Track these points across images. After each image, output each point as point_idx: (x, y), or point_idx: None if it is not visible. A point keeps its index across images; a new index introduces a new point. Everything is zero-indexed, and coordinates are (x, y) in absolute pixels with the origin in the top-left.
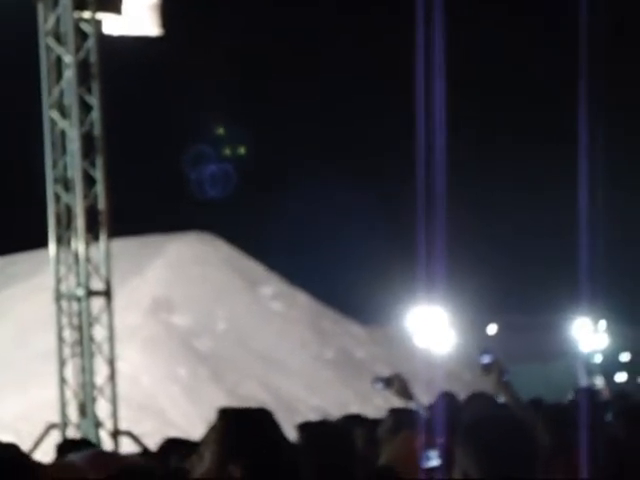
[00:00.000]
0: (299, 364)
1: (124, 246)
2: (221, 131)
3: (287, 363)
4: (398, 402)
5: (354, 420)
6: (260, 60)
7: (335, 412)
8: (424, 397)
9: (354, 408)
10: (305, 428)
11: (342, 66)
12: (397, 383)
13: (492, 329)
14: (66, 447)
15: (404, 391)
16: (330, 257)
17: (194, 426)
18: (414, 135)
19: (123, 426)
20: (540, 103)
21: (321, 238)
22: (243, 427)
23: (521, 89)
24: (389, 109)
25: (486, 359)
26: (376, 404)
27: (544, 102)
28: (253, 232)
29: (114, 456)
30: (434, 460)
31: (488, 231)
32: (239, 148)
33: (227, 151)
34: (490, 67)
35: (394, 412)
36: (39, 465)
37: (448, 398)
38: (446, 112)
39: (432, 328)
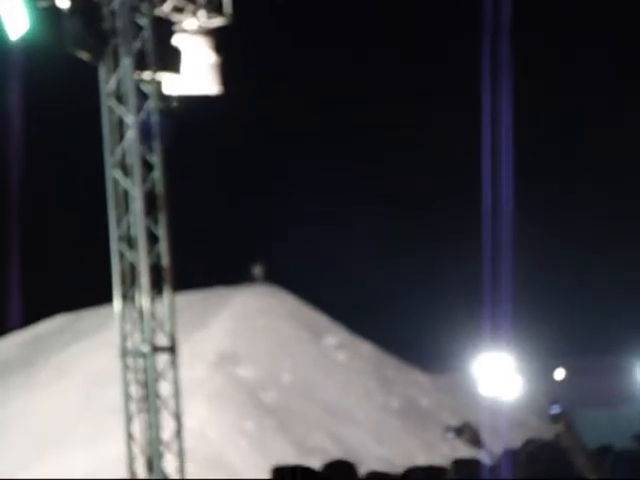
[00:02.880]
0: (364, 414)
1: (189, 300)
2: None
3: (353, 413)
4: (465, 451)
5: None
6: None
7: (401, 462)
8: (493, 445)
9: (420, 458)
10: None
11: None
12: (468, 432)
13: (559, 374)
14: None
15: (475, 440)
16: (393, 304)
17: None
18: (479, 180)
19: None
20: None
21: (383, 285)
22: None
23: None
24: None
25: (555, 409)
26: (443, 453)
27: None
28: (315, 283)
29: None
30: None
31: (555, 274)
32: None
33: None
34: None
35: (458, 463)
36: None
37: (512, 455)
38: (513, 153)
39: (498, 375)
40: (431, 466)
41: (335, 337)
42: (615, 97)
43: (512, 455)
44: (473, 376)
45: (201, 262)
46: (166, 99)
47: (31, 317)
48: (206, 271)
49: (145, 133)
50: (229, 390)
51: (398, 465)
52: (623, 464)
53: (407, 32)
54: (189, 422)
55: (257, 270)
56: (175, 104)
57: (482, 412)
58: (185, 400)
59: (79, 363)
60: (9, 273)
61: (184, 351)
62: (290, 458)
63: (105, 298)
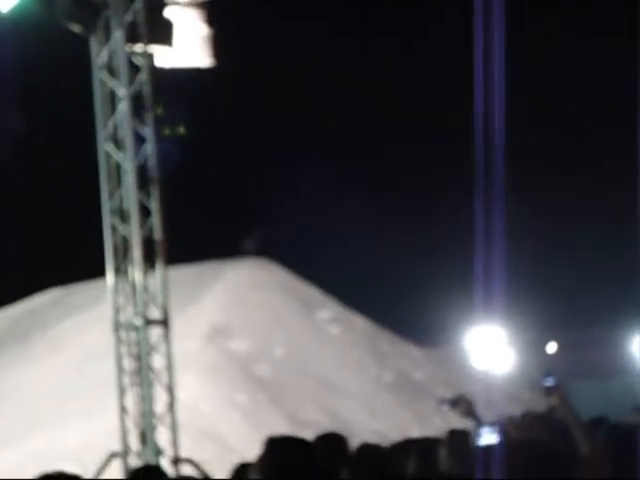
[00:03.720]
0: (358, 388)
1: (181, 274)
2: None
3: (346, 387)
4: (459, 423)
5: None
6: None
7: (394, 435)
8: (487, 417)
9: (414, 430)
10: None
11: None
12: (463, 404)
13: (552, 347)
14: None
15: (470, 412)
16: (385, 279)
17: (255, 452)
18: (472, 149)
19: (184, 453)
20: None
21: (376, 260)
22: (286, 456)
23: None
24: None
25: (549, 382)
26: (436, 426)
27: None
28: (308, 256)
29: None
30: (489, 437)
31: (546, 247)
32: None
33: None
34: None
35: (453, 434)
36: None
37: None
38: (505, 128)
39: (491, 348)
40: (425, 437)
41: (328, 311)
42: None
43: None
44: (466, 349)
45: (194, 236)
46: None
47: (24, 291)
48: (199, 245)
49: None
50: (222, 363)
51: (391, 438)
52: (616, 435)
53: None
54: (182, 395)
55: (250, 244)
56: (182, 131)
57: (475, 385)
58: (178, 373)
59: (72, 337)
60: (2, 247)
61: (177, 324)
62: (283, 431)
63: (98, 272)
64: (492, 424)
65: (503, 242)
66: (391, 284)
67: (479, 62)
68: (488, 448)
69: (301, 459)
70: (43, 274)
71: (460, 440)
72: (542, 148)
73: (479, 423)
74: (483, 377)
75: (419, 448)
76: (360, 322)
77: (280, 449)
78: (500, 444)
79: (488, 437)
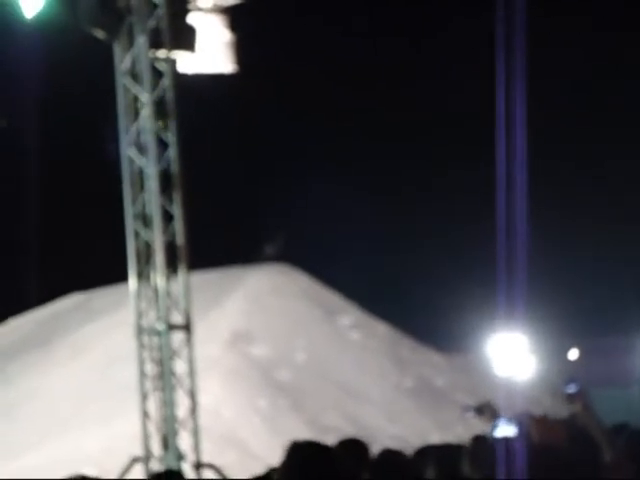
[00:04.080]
0: (379, 394)
1: (202, 279)
2: None
3: (367, 393)
4: (480, 430)
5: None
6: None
7: (415, 441)
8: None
9: (434, 437)
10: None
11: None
12: (488, 411)
13: (574, 354)
14: None
15: (495, 419)
16: (407, 285)
17: (275, 457)
18: (493, 151)
19: (205, 458)
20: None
21: (397, 265)
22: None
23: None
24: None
25: (571, 388)
26: (457, 433)
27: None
28: (329, 261)
29: None
30: (506, 429)
31: (569, 253)
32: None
33: None
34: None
35: (477, 440)
36: None
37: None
38: (527, 141)
39: (513, 355)
40: (446, 444)
41: (349, 316)
42: None
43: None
44: (487, 356)
45: (215, 241)
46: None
47: (46, 296)
48: (220, 250)
49: None
50: (243, 369)
51: (412, 444)
52: (638, 442)
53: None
54: (203, 400)
55: (271, 249)
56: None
57: (497, 392)
58: (199, 378)
59: (94, 341)
60: (25, 252)
61: (199, 329)
62: (304, 436)
63: (120, 277)
64: (510, 417)
65: (525, 248)
66: (412, 290)
67: (500, 60)
68: (506, 441)
69: (323, 464)
70: (65, 279)
71: (483, 447)
72: (569, 148)
73: (496, 416)
74: (505, 384)
75: (440, 454)
76: (381, 328)
77: (302, 454)
78: (519, 437)
79: (505, 429)
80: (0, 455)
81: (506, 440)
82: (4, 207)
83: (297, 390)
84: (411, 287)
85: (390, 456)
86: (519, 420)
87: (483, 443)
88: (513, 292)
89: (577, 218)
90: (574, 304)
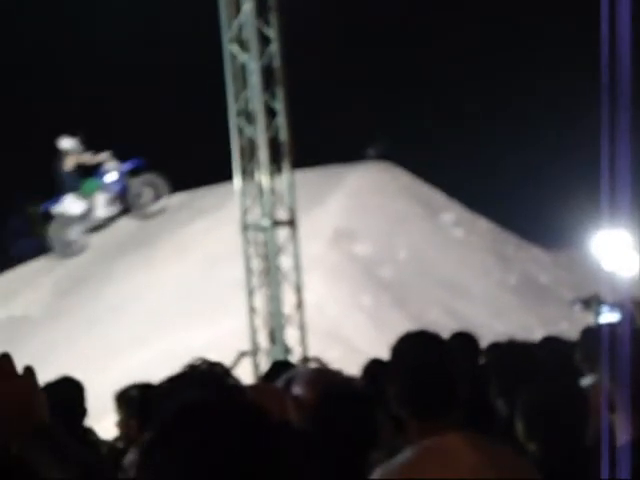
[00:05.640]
0: (482, 290)
1: (305, 177)
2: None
3: (470, 289)
4: (583, 324)
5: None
6: None
7: (520, 337)
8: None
9: (539, 333)
10: (493, 349)
11: None
12: (595, 303)
13: None
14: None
15: (600, 308)
16: (510, 180)
17: (379, 353)
18: (597, 48)
19: (311, 353)
20: None
21: (500, 162)
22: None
23: None
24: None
25: None
26: (561, 329)
27: None
28: (431, 158)
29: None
30: (610, 315)
31: None
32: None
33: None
34: None
35: (587, 332)
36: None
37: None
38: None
39: (616, 251)
40: (559, 336)
41: (451, 213)
42: None
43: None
44: (591, 252)
45: (317, 139)
46: None
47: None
48: (322, 148)
49: None
50: (346, 266)
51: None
52: None
53: None
54: (308, 296)
55: (374, 148)
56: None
57: (601, 287)
58: (304, 275)
59: (200, 240)
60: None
61: (302, 227)
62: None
63: (224, 175)
64: (614, 305)
65: (629, 144)
66: (515, 187)
67: None
68: (611, 327)
69: (439, 352)
70: (169, 179)
71: (593, 337)
72: None
73: (599, 302)
74: (609, 280)
75: (555, 345)
76: (484, 224)
77: (416, 342)
78: (622, 322)
79: (609, 316)
80: (108, 352)
81: (611, 325)
82: None
83: (400, 287)
84: (515, 184)
85: (514, 345)
86: (622, 306)
87: (593, 334)
88: (617, 189)
89: None
90: None
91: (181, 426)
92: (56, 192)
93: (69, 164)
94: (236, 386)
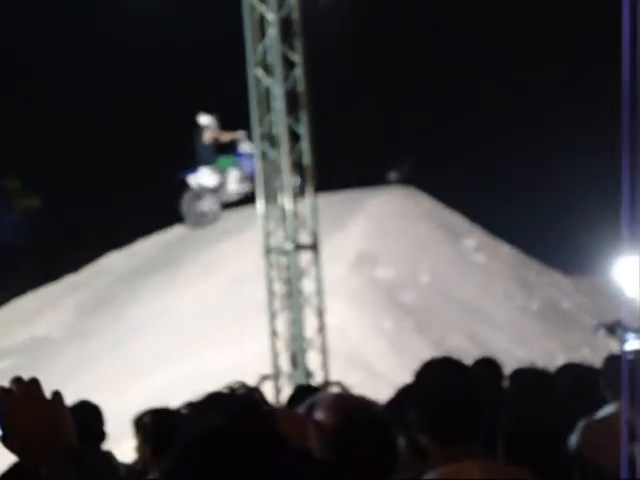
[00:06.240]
0: (504, 316)
1: (328, 201)
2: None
3: (492, 315)
4: (607, 352)
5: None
6: None
7: (542, 363)
8: None
9: (561, 359)
10: (516, 375)
11: None
12: (619, 329)
13: None
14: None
15: (625, 335)
16: (532, 206)
17: (400, 378)
18: (619, 76)
19: (332, 377)
20: None
21: (523, 187)
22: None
23: None
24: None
25: None
26: (583, 355)
27: None
28: (453, 182)
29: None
30: (636, 343)
31: None
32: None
33: None
34: None
35: (611, 359)
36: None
37: None
38: None
39: (638, 278)
40: (582, 363)
41: (474, 238)
42: None
43: None
44: (613, 278)
45: (340, 163)
46: None
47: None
48: (344, 172)
49: None
50: (368, 290)
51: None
52: None
53: None
54: (329, 320)
55: (396, 172)
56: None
57: (624, 313)
58: (325, 299)
59: (223, 261)
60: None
61: (324, 251)
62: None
63: (248, 198)
64: (638, 330)
65: None
66: (537, 213)
67: None
68: (631, 354)
69: (461, 379)
70: None
71: (617, 365)
72: None
73: (625, 329)
74: (631, 306)
75: (579, 371)
76: (506, 250)
77: (441, 368)
78: None
79: (635, 343)
80: (129, 374)
81: (631, 353)
82: None
83: (422, 312)
84: (537, 210)
85: (530, 373)
86: None
87: (616, 361)
88: (637, 215)
89: None
90: None
91: (202, 452)
92: (192, 164)
93: (207, 137)
94: (271, 412)
